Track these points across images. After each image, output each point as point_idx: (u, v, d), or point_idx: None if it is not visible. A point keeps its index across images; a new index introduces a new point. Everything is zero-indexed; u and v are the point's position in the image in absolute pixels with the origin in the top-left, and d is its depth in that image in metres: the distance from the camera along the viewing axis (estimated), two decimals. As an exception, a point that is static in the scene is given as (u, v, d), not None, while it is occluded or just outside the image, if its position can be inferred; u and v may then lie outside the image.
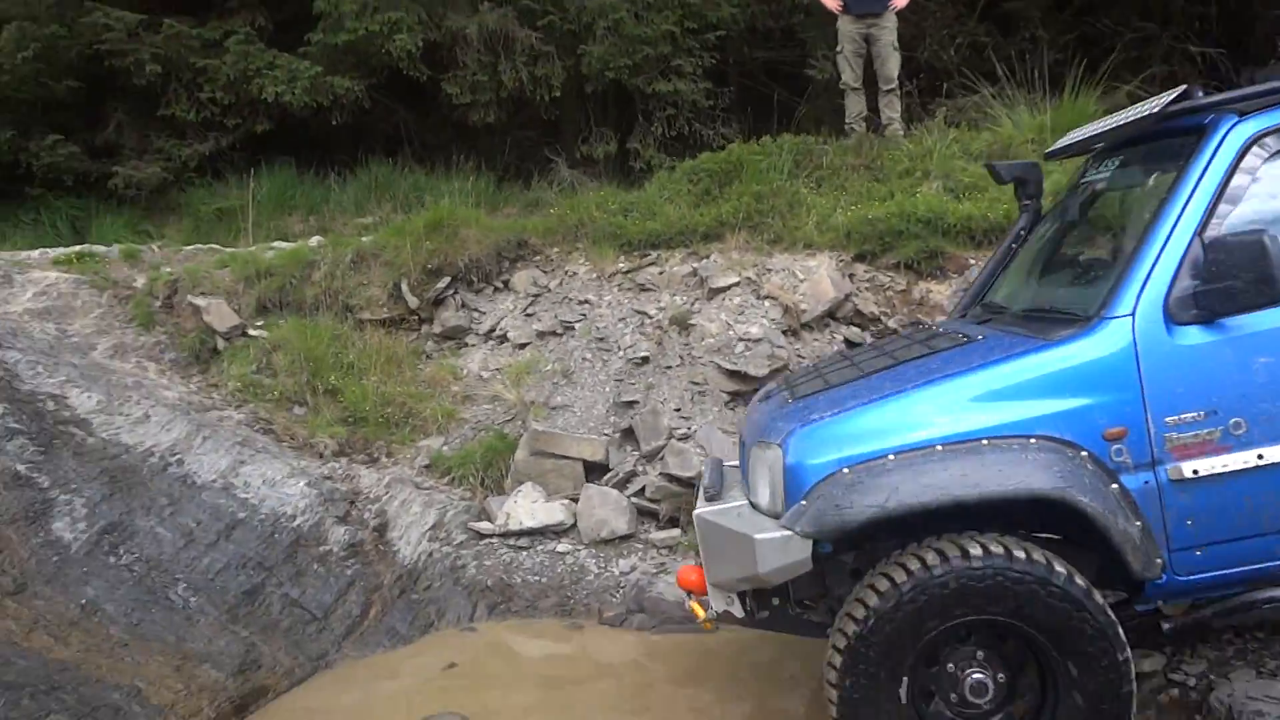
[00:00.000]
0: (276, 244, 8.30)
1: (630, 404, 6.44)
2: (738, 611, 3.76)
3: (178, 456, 5.91)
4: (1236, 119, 3.35)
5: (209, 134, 10.17)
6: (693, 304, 6.97)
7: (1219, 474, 3.14)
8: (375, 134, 10.76)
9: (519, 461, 6.32)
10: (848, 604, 3.30)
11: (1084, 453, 3.17)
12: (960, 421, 3.24)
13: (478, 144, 10.58)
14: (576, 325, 7.12)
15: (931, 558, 3.13)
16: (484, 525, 6.04)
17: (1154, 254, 3.25)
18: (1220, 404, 3.15)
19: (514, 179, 10.41)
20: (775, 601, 3.71)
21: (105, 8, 9.47)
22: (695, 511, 3.82)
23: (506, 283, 7.70)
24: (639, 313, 7.06)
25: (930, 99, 9.70)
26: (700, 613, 3.81)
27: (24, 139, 9.93)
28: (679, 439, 6.14)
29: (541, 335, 7.20)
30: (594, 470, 6.23)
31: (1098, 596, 3.11)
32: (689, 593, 3.92)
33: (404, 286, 7.53)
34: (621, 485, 6.07)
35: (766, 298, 6.83)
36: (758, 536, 3.44)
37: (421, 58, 9.71)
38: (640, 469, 6.14)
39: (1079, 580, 3.11)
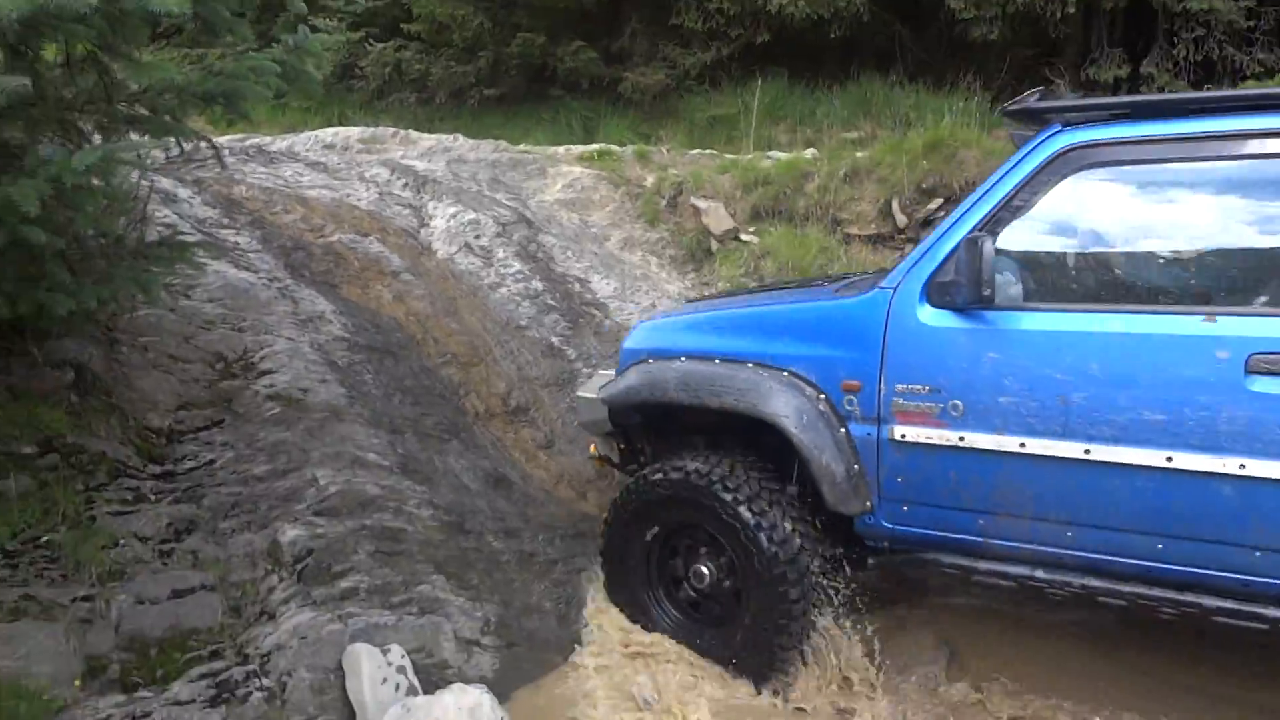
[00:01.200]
0: (773, 153, 8.58)
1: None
2: (615, 458, 4.52)
3: (678, 346, 6.38)
4: (1059, 128, 3.32)
5: (711, 44, 10.65)
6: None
7: (925, 444, 3.38)
8: (868, 48, 10.65)
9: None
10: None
11: (822, 395, 3.58)
12: (743, 344, 3.81)
13: (973, 61, 10.11)
14: (1076, 259, 6.71)
15: (670, 464, 3.84)
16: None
17: (935, 238, 3.45)
18: (946, 384, 3.33)
19: (1008, 100, 9.89)
20: (642, 459, 4.38)
21: (635, -81, 10.15)
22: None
23: (1002, 208, 7.41)
24: (1151, 251, 6.52)
25: None
26: (593, 450, 4.61)
27: (553, 45, 11.03)
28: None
29: (1035, 266, 6.87)
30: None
31: (768, 520, 3.57)
32: None
33: (895, 204, 7.50)
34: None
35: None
36: (578, 394, 4.59)
37: (931, -32, 9.45)
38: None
39: (756, 505, 3.61)
